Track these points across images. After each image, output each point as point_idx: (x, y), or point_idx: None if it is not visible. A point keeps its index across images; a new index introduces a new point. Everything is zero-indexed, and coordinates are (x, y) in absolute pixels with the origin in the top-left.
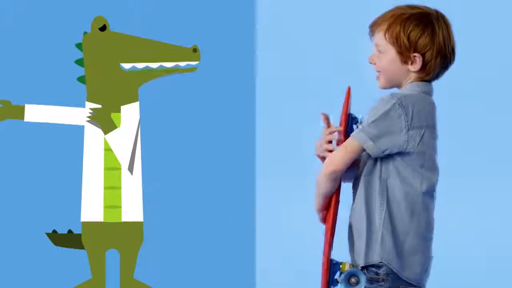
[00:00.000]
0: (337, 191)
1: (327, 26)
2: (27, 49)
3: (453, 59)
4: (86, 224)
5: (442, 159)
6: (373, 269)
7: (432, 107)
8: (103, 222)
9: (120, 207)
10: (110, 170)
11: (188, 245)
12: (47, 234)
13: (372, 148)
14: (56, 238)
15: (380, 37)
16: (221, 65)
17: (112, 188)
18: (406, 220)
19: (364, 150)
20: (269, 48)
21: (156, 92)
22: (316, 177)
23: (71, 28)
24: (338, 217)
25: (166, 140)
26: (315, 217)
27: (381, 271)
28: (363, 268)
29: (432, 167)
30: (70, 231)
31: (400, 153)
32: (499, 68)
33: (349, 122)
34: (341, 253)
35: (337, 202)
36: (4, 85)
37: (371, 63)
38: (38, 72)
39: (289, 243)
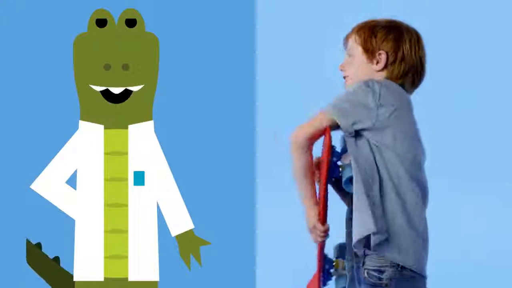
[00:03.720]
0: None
1: (327, 26)
2: (27, 49)
3: (422, 74)
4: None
5: (442, 160)
6: (375, 274)
7: (401, 91)
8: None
9: (127, 257)
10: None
11: None
12: (28, 242)
13: (341, 121)
14: (31, 253)
15: (351, 41)
16: (221, 65)
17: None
18: (394, 201)
19: (333, 124)
20: (269, 48)
21: (156, 92)
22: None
23: (71, 28)
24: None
25: (166, 140)
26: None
27: (384, 275)
28: (368, 272)
29: (408, 150)
30: (56, 259)
31: (376, 134)
32: (497, 72)
33: (332, 155)
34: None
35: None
36: (4, 85)
37: (340, 70)
38: (38, 72)
39: (289, 243)
